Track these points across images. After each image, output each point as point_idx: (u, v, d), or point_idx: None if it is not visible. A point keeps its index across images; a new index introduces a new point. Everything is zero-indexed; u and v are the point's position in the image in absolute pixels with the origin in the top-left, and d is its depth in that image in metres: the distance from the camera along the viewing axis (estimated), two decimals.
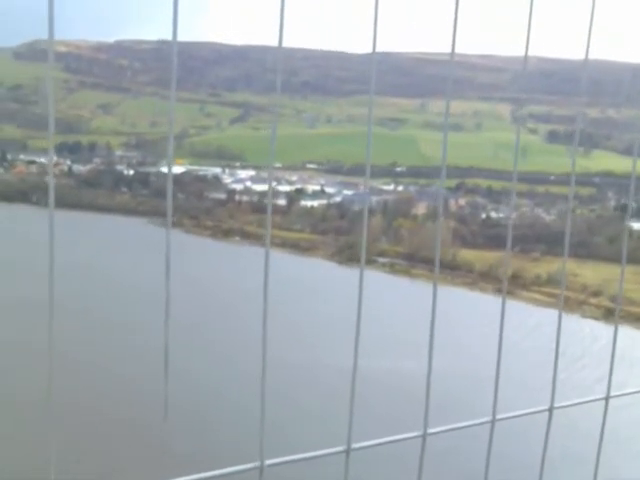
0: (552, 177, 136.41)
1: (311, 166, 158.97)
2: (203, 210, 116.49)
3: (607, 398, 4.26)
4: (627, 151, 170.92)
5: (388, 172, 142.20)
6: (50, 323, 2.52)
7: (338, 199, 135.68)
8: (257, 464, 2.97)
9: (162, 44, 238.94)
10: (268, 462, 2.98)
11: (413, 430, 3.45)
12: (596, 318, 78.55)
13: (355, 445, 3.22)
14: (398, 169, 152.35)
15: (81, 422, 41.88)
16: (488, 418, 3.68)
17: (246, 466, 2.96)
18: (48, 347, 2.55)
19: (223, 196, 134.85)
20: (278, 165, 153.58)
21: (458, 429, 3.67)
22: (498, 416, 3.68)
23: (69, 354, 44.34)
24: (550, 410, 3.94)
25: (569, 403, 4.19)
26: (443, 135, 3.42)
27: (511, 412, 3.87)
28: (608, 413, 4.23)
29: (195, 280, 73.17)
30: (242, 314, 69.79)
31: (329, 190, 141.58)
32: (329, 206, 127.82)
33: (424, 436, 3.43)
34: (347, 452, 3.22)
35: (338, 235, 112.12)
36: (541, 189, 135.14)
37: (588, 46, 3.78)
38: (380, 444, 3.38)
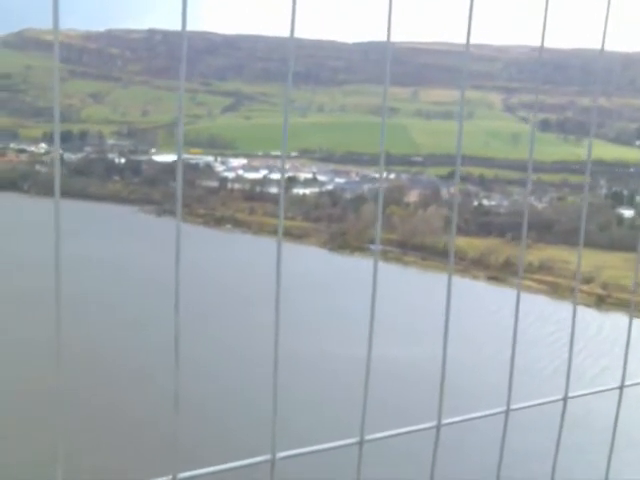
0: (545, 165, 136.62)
1: (294, 154, 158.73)
2: (195, 198, 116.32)
3: (621, 387, 4.22)
4: (618, 139, 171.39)
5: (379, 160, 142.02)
6: (57, 314, 2.41)
7: (330, 187, 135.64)
8: (268, 457, 2.91)
9: (152, 33, 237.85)
10: (280, 455, 2.93)
11: (425, 421, 3.40)
12: (588, 305, 78.78)
13: (368, 437, 3.16)
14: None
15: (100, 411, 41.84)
16: (502, 408, 3.65)
17: (257, 459, 2.92)
18: (55, 337, 2.46)
19: (215, 184, 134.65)
20: (273, 154, 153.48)
21: (473, 419, 3.65)
22: (512, 406, 3.65)
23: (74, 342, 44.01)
24: (564, 400, 3.90)
25: (583, 392, 4.17)
26: (458, 124, 3.27)
27: (525, 402, 3.82)
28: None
29: (192, 267, 73.09)
30: (241, 301, 69.96)
31: (321, 178, 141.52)
32: (321, 194, 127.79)
33: (438, 427, 3.40)
34: (360, 444, 3.17)
35: (330, 223, 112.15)
36: (533, 177, 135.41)
37: (604, 38, 3.68)
38: (393, 435, 3.34)
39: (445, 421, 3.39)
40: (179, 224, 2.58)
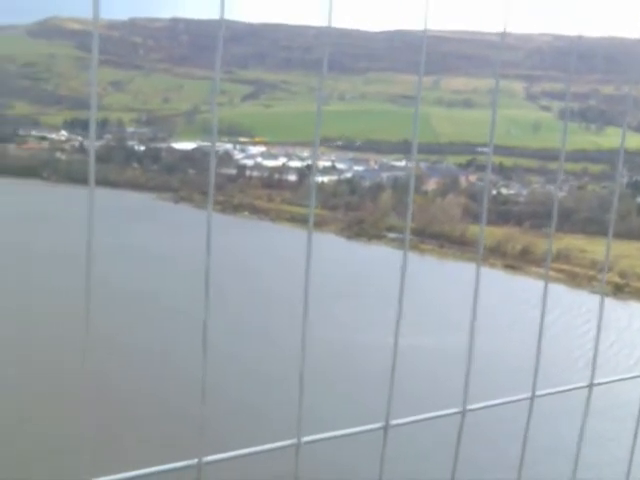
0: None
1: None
2: (214, 185, 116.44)
3: None
4: None
5: (399, 148, 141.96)
6: (87, 305, 2.32)
7: (349, 175, 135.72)
8: (294, 441, 2.90)
9: (175, 22, 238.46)
10: (305, 439, 2.91)
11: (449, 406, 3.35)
12: (605, 294, 78.29)
13: (393, 422, 3.14)
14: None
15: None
16: (527, 394, 3.57)
17: (283, 443, 2.90)
18: (84, 328, 2.38)
19: (234, 171, 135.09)
20: (291, 141, 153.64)
21: (497, 405, 3.58)
22: (537, 392, 3.57)
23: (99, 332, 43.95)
24: (590, 387, 3.81)
25: (609, 380, 4.03)
26: (492, 113, 3.17)
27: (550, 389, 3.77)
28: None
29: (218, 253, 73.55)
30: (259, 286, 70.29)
31: (340, 166, 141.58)
32: (339, 182, 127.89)
33: (463, 412, 3.36)
34: (385, 429, 3.15)
35: (348, 211, 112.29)
36: (553, 166, 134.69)
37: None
38: (418, 421, 3.30)
39: (470, 407, 3.35)
40: (210, 213, 2.58)
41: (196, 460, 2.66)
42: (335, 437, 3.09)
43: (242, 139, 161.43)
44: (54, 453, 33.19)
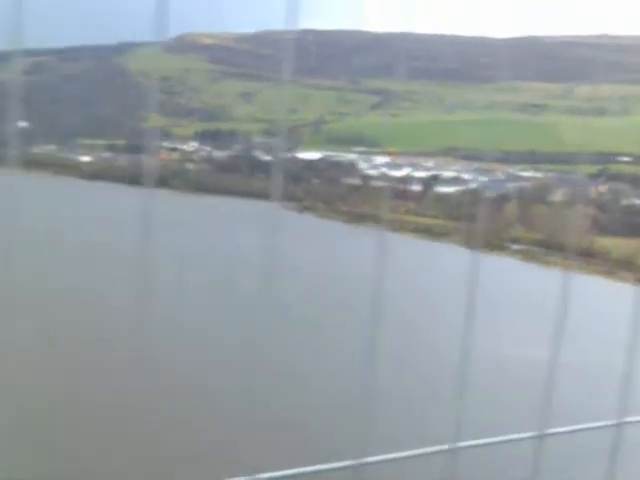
0: None
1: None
2: (337, 195, 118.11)
3: None
4: None
5: (526, 158, 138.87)
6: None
7: (474, 185, 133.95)
8: (450, 446, 2.94)
9: (305, 34, 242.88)
10: (460, 444, 2.96)
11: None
12: None
13: (549, 431, 3.13)
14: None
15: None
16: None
17: (441, 447, 2.96)
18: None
19: (358, 182, 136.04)
20: (416, 151, 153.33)
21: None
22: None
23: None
24: None
25: None
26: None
27: None
28: None
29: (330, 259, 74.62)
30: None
31: (465, 176, 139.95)
32: (464, 193, 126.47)
33: (619, 425, 3.23)
34: (540, 438, 3.14)
35: (471, 221, 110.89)
36: None
37: None
38: (576, 431, 3.25)
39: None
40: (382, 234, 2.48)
41: (355, 461, 2.77)
42: (491, 444, 3.12)
43: (370, 149, 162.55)
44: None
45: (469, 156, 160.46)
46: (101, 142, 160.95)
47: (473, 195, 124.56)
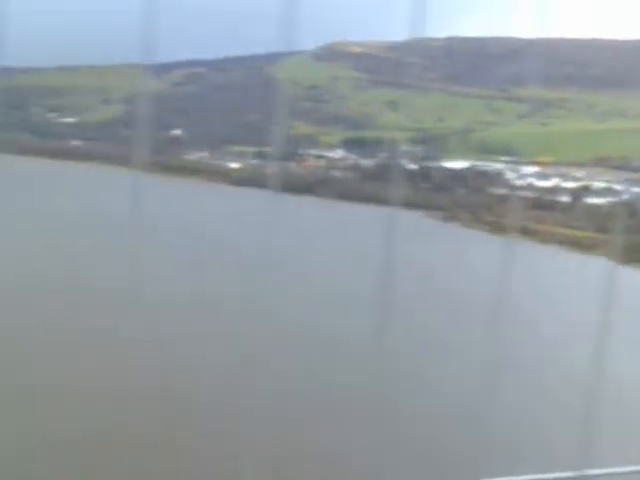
0: None
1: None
2: (483, 204, 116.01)
3: None
4: None
5: None
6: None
7: (626, 197, 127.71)
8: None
9: (451, 41, 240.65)
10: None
11: None
12: None
13: None
14: None
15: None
16: None
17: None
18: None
19: (504, 191, 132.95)
20: (566, 161, 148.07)
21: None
22: None
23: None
24: None
25: None
26: None
27: None
28: None
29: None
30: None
31: (617, 187, 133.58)
32: (615, 204, 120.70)
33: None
34: None
35: (624, 234, 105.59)
36: None
37: None
38: None
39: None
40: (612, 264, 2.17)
41: (578, 473, 2.33)
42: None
43: (518, 159, 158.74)
44: None
45: (621, 166, 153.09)
46: (250, 149, 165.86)
47: (625, 207, 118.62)
